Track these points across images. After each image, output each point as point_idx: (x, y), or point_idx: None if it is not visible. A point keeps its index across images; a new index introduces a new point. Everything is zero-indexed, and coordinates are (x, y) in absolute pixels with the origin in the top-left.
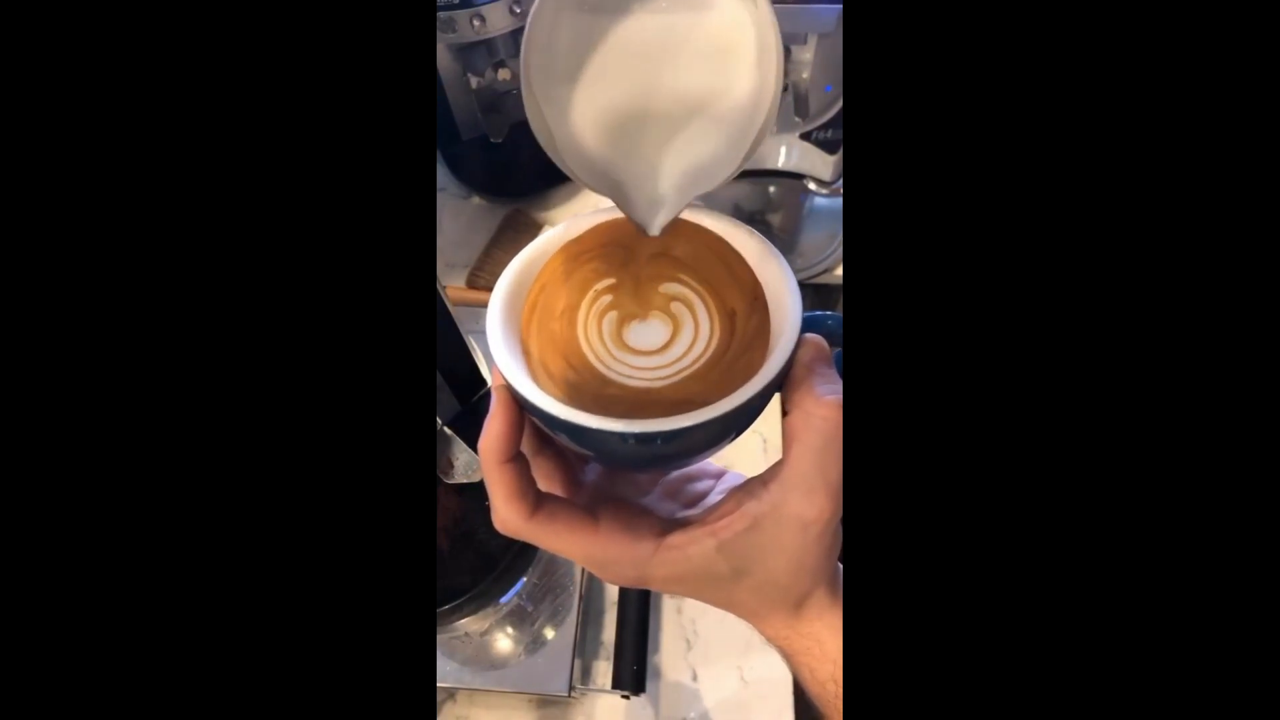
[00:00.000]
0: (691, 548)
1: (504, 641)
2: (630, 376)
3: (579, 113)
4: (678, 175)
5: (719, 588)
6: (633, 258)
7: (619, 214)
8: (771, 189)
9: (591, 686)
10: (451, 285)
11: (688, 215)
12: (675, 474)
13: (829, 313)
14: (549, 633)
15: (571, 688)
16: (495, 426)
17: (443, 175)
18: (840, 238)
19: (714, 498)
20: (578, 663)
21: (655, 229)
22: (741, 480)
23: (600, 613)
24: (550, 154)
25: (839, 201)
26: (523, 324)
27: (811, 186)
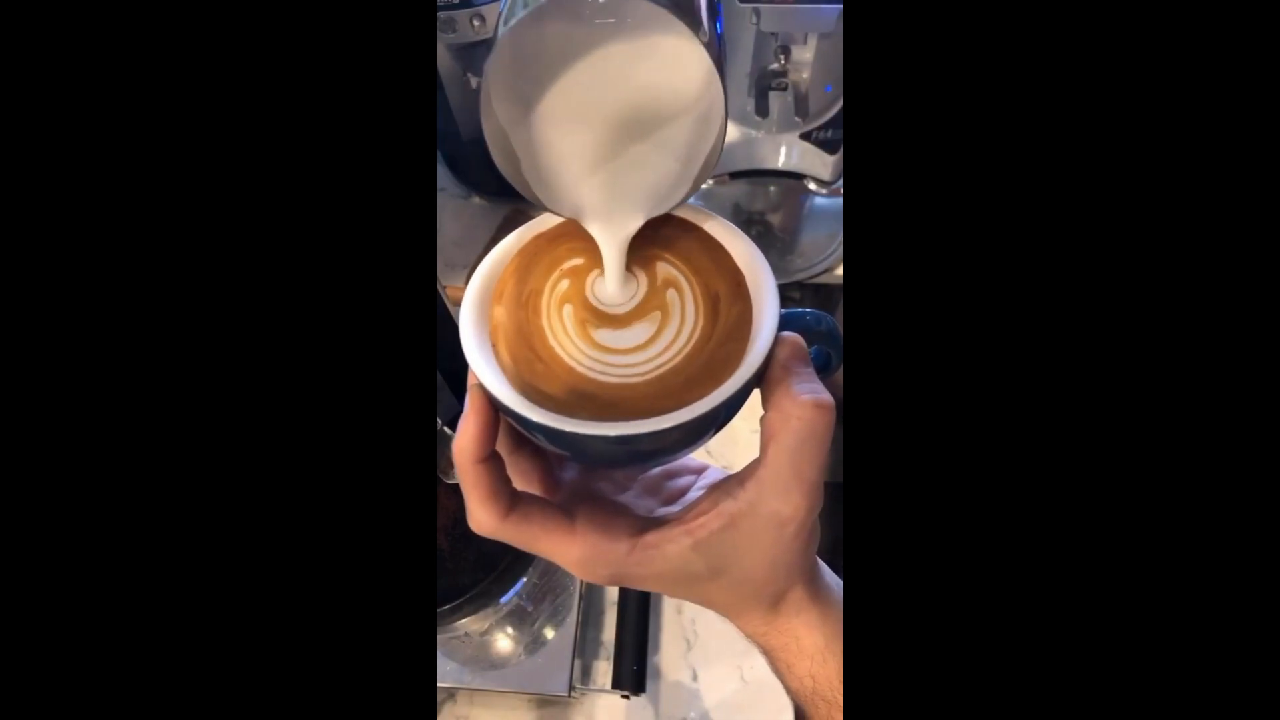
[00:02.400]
0: (668, 546)
1: (504, 641)
2: (604, 373)
3: (542, 139)
4: (634, 196)
5: (696, 586)
6: None
7: None
8: (771, 189)
9: (591, 686)
10: (451, 285)
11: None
12: (655, 471)
13: (808, 309)
14: (549, 633)
15: (571, 688)
16: (468, 427)
17: (443, 175)
18: (840, 238)
19: (694, 494)
20: (578, 663)
21: (616, 242)
22: (721, 475)
23: (600, 613)
24: (513, 181)
25: (839, 201)
26: (490, 316)
27: (811, 186)
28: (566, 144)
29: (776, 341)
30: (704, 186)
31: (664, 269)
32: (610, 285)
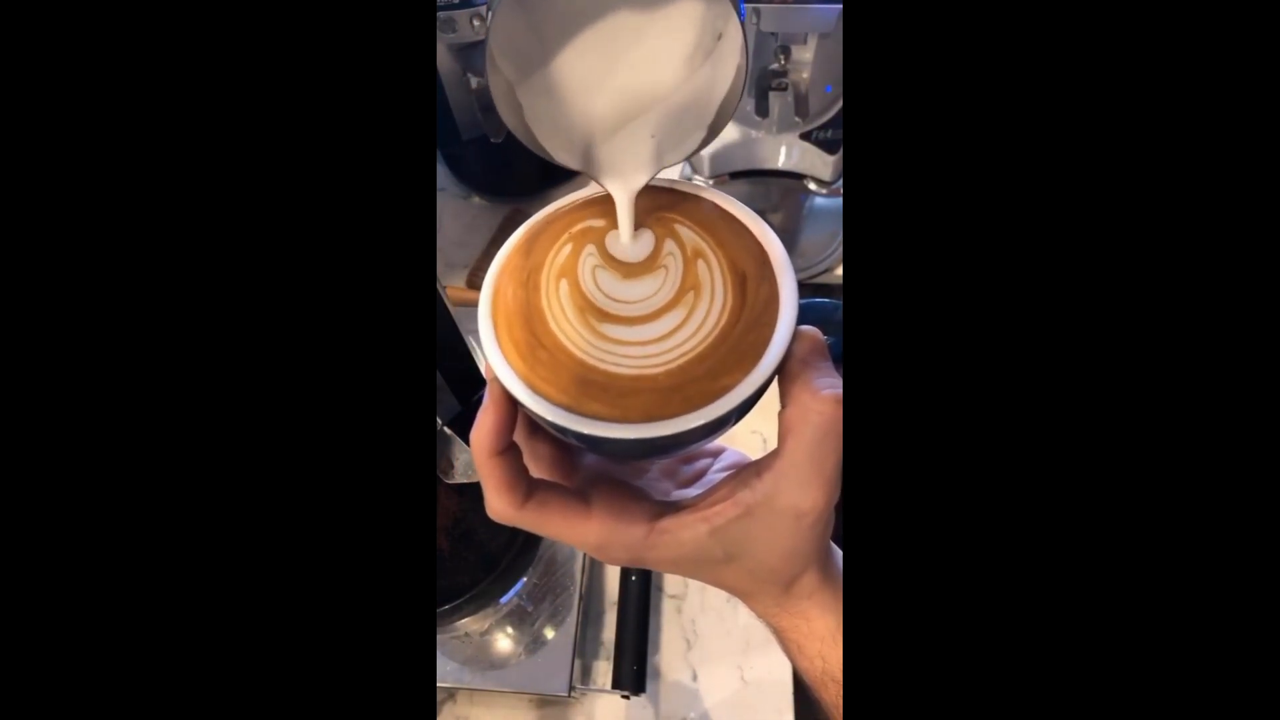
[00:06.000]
0: (684, 533)
1: (504, 641)
2: (618, 364)
3: (548, 86)
4: (646, 141)
5: (710, 569)
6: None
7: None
8: (771, 189)
9: (591, 686)
10: (451, 285)
11: (682, 188)
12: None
13: (825, 299)
14: (549, 633)
15: (571, 688)
16: (486, 421)
17: (443, 175)
18: (840, 238)
19: (711, 476)
20: (578, 663)
21: (628, 193)
22: (739, 457)
23: (600, 613)
24: (515, 130)
25: (839, 201)
26: (493, 296)
27: (811, 186)
28: (574, 94)
29: (795, 335)
30: (704, 186)
31: (688, 231)
32: (624, 238)
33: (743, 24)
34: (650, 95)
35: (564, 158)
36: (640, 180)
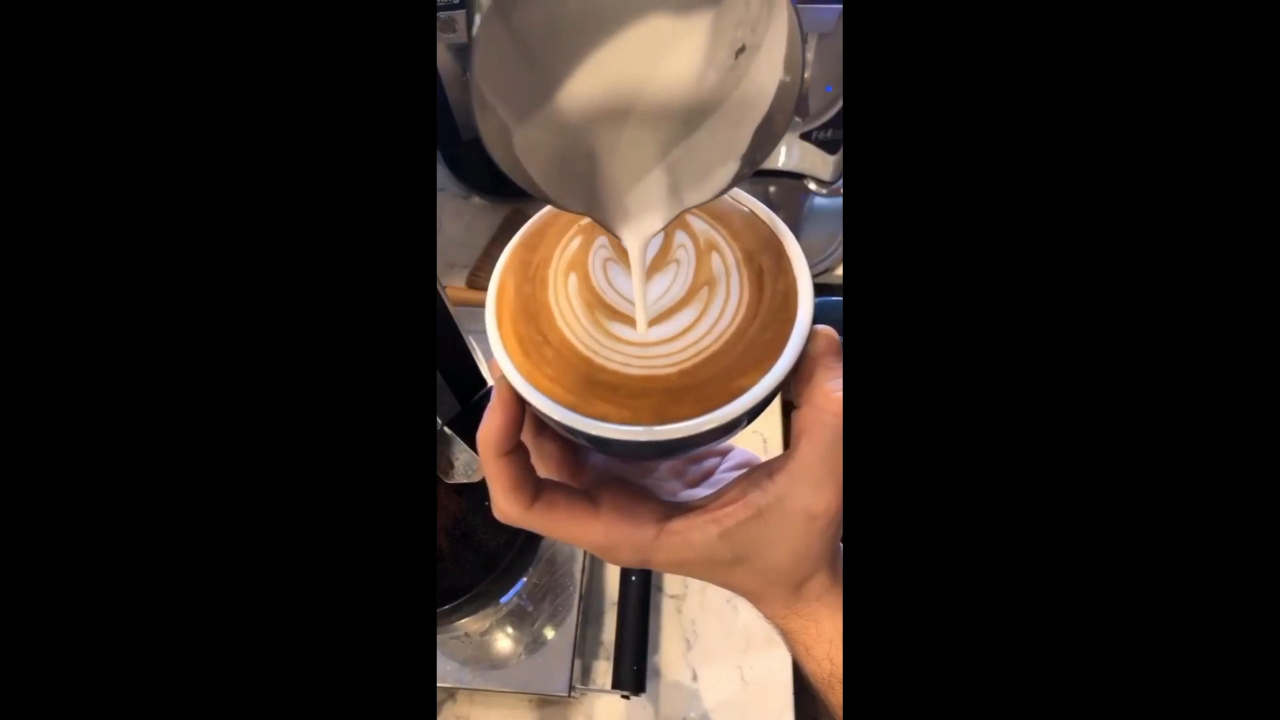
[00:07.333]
0: (693, 534)
1: (504, 641)
2: (628, 363)
3: (541, 121)
4: (659, 178)
5: (719, 571)
6: None
7: None
8: (771, 189)
9: (591, 686)
10: (451, 285)
11: None
12: None
13: (840, 297)
14: (549, 633)
15: (571, 688)
16: (494, 420)
17: (443, 175)
18: (840, 238)
19: (720, 475)
20: (578, 663)
21: (640, 241)
22: (747, 456)
23: (600, 613)
24: (513, 175)
25: (839, 201)
26: (499, 292)
27: (811, 186)
28: (571, 127)
29: (810, 334)
30: None
31: (701, 223)
32: (636, 295)
33: (799, 25)
34: (657, 122)
35: (566, 201)
36: (654, 226)
